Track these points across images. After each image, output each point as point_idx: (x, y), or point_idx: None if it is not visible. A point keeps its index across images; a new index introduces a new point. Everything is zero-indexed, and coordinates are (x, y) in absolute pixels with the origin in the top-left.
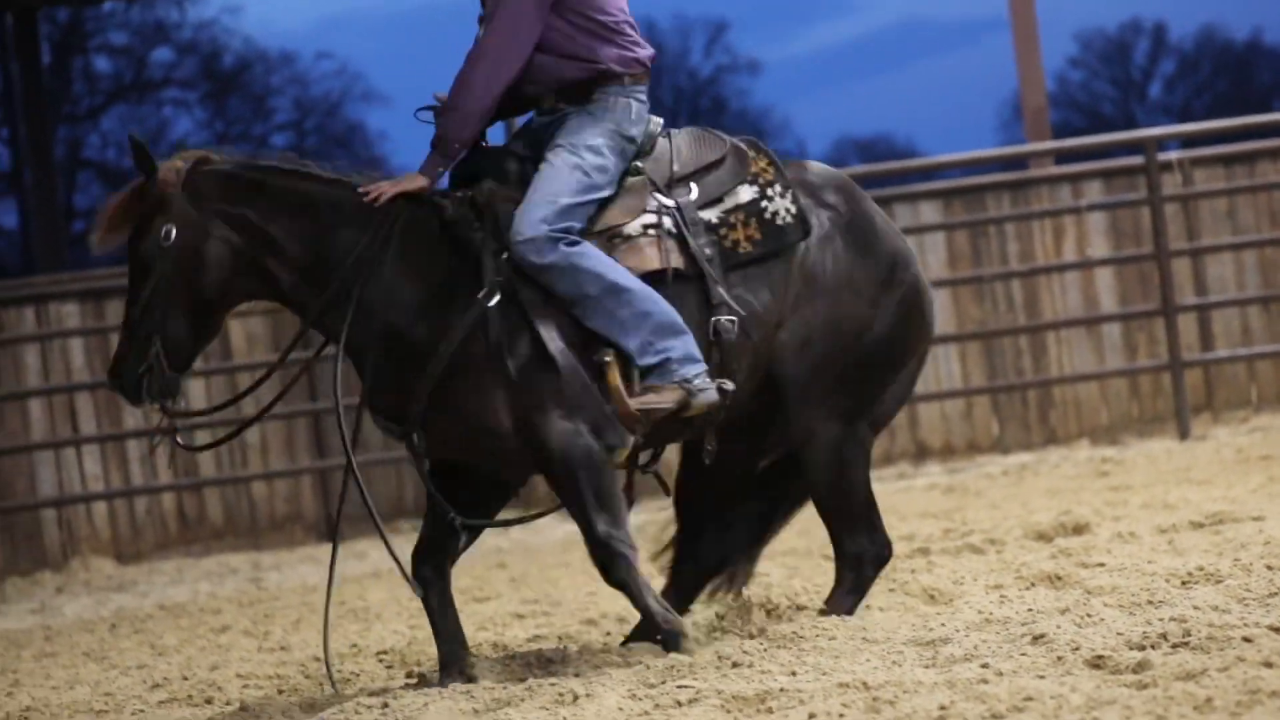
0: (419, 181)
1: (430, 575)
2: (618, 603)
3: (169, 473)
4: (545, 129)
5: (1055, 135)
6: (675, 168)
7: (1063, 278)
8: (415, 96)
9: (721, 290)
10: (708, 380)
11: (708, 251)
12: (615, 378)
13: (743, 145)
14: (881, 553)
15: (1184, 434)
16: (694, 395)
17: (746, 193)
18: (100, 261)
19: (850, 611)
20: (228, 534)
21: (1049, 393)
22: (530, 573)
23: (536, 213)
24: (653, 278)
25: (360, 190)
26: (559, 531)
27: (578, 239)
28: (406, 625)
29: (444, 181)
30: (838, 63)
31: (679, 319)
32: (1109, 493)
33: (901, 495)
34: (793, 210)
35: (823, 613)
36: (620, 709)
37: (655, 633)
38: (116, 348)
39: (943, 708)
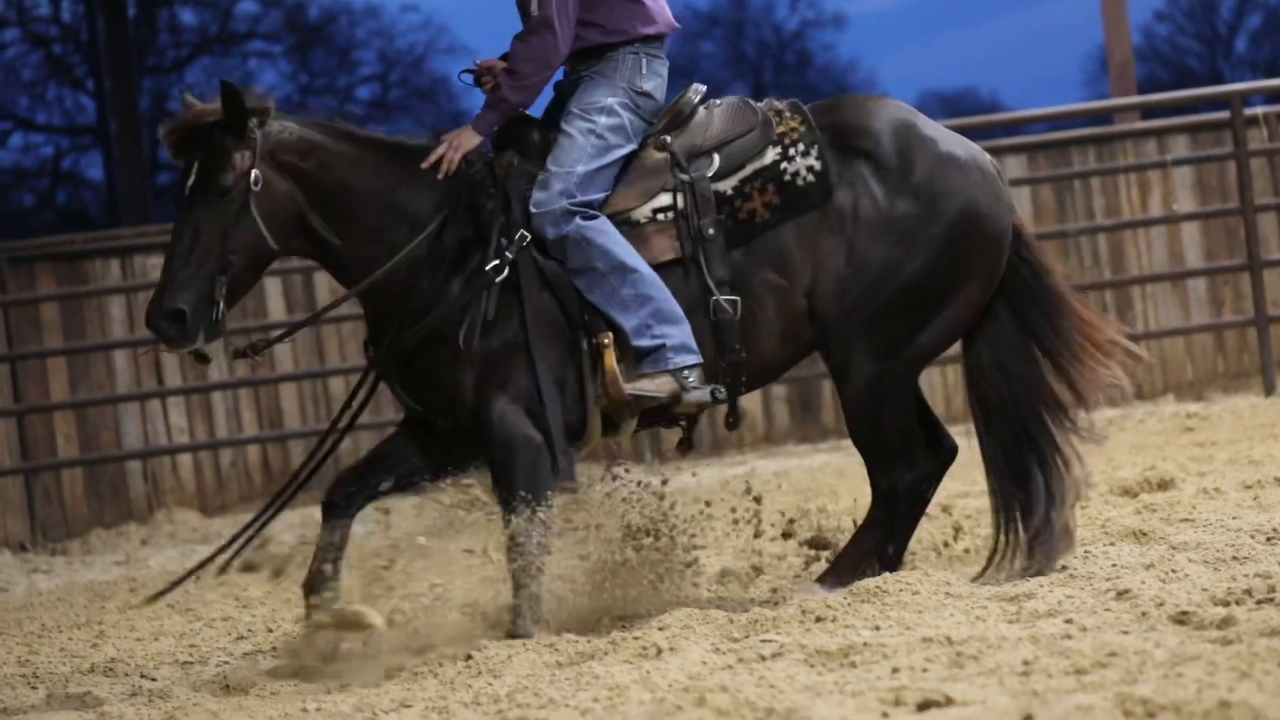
0: (474, 139)
1: (341, 504)
2: (712, 558)
3: (254, 425)
4: (565, 94)
5: (1141, 90)
6: (702, 139)
7: (1148, 233)
8: (501, 49)
9: (722, 271)
10: (701, 378)
11: (710, 232)
12: (611, 359)
13: (777, 111)
14: (918, 487)
15: (1269, 389)
16: (686, 391)
17: (769, 155)
18: None
19: (869, 550)
20: (311, 486)
21: None
22: None
23: (556, 184)
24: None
25: (426, 163)
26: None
27: (596, 213)
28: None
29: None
30: (923, 16)
31: (678, 308)
32: (1194, 448)
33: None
34: (816, 168)
35: (842, 553)
36: (704, 662)
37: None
38: (164, 282)
39: (1026, 663)
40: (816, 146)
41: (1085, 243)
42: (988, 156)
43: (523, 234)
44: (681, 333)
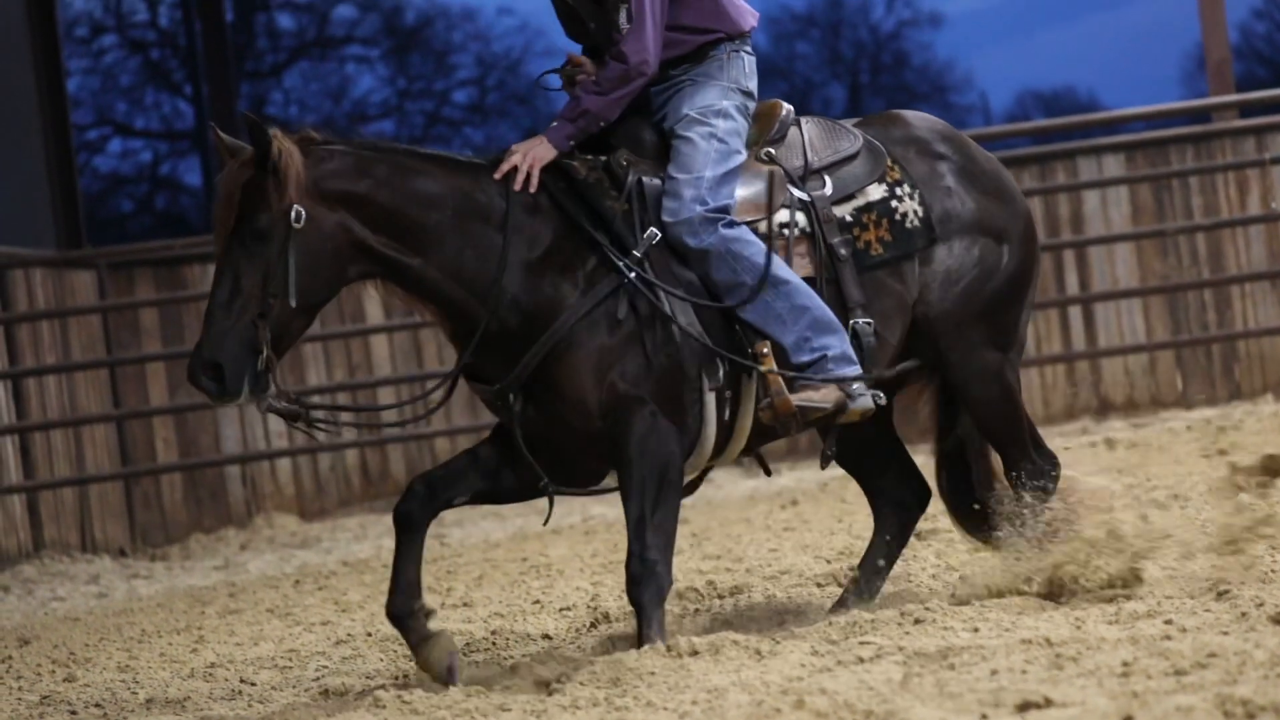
0: (550, 152)
1: (416, 515)
2: (801, 558)
3: (352, 429)
4: (659, 96)
5: (1239, 88)
6: (809, 158)
7: (1247, 231)
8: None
9: (857, 291)
10: (864, 387)
11: (843, 252)
12: (774, 371)
13: (874, 142)
14: (1055, 469)
15: None
16: (852, 399)
17: (877, 191)
18: None
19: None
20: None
21: (1233, 347)
22: (712, 528)
23: (687, 191)
24: None
25: (498, 175)
26: (742, 486)
27: (735, 220)
28: (589, 581)
29: None
30: (1020, 14)
31: (834, 316)
32: None
33: (1085, 450)
34: (920, 213)
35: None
36: (803, 664)
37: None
38: (203, 334)
39: (1126, 664)
40: (918, 192)
41: (1184, 242)
42: None
43: (653, 231)
44: (841, 342)
